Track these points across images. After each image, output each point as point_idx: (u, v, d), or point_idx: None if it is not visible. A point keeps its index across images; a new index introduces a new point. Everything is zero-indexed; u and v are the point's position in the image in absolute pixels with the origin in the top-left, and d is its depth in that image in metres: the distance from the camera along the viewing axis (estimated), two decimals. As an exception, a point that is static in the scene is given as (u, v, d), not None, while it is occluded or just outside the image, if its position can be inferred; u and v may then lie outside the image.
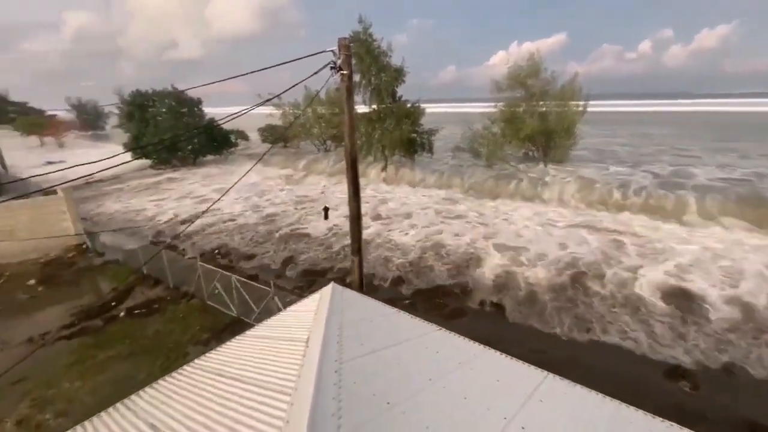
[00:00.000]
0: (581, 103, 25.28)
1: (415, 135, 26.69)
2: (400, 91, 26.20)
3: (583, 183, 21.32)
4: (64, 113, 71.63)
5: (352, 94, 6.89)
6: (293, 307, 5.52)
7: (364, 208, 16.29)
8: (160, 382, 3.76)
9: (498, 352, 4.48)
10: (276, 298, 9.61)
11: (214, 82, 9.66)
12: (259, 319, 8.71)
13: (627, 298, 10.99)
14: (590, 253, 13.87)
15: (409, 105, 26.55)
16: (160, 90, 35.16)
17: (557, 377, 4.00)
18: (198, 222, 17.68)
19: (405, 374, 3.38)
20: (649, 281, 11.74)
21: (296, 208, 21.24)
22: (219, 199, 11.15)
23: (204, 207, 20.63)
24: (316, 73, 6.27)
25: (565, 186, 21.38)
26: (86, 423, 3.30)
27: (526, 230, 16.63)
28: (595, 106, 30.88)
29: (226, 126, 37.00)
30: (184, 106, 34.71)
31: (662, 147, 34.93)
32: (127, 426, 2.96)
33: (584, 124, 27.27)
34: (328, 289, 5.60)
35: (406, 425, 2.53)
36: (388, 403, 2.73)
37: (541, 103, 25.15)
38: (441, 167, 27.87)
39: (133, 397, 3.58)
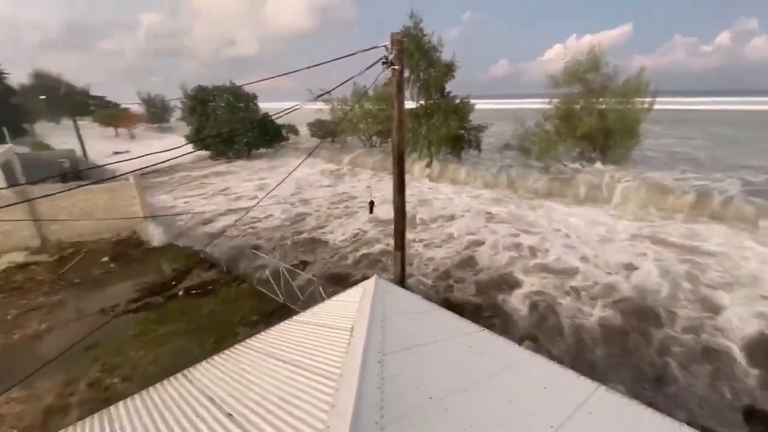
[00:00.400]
0: (647, 99, 23.40)
1: (462, 132, 26.20)
2: (449, 86, 25.77)
3: (652, 188, 19.24)
4: (135, 107, 78.07)
5: (402, 88, 6.89)
6: (337, 297, 5.66)
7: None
8: (215, 357, 4.02)
9: (545, 359, 4.30)
10: (320, 288, 9.92)
11: (268, 78, 10.11)
12: (304, 305, 9.04)
13: (706, 350, 8.56)
14: (660, 277, 11.70)
15: (457, 101, 26.06)
16: (219, 85, 37.29)
17: (609, 390, 3.77)
18: (221, 222, 18.30)
19: (447, 371, 3.35)
20: (737, 325, 9.26)
21: (328, 208, 20.51)
22: (260, 200, 11.63)
23: (237, 205, 21.40)
24: (368, 68, 6.34)
25: (628, 190, 19.49)
26: (151, 389, 3.62)
27: (578, 241, 14.72)
28: (664, 104, 28.41)
29: (278, 120, 38.48)
30: (240, 101, 36.55)
31: (746, 150, 31.06)
32: (186, 395, 3.19)
33: (652, 123, 25.25)
34: (372, 282, 5.68)
35: (449, 422, 2.51)
36: (431, 398, 2.72)
37: (601, 99, 23.59)
38: (489, 165, 27.09)
39: (191, 369, 3.87)
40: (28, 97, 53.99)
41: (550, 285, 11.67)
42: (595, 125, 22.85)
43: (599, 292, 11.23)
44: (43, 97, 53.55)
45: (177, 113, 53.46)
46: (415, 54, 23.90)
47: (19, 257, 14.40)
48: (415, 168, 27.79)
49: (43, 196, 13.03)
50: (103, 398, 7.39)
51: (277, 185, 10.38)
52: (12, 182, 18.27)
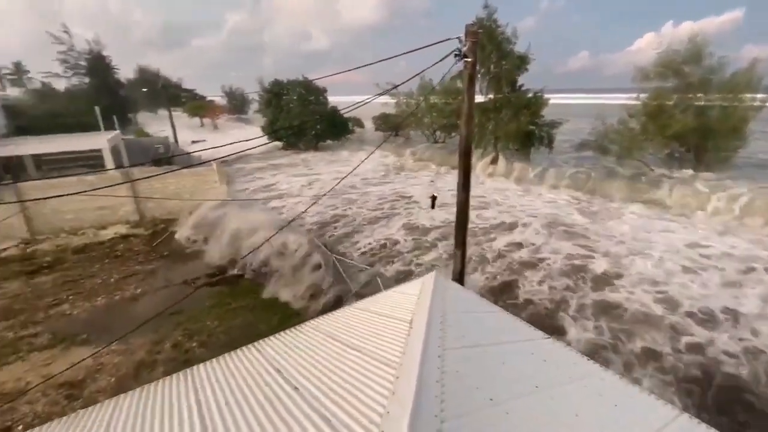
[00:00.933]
0: (759, 96, 20.17)
1: (533, 127, 24.80)
2: (522, 79, 24.53)
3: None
4: (218, 99, 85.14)
5: (474, 81, 6.70)
6: (395, 289, 5.72)
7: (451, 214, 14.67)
8: (282, 334, 4.30)
9: (618, 376, 3.97)
10: (378, 279, 10.13)
11: (338, 73, 10.40)
12: (359, 294, 9.32)
13: None
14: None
15: (530, 95, 24.73)
16: (293, 79, 39.30)
17: (693, 419, 3.37)
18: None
19: (509, 375, 3.23)
20: None
21: (371, 209, 18.72)
22: (319, 198, 12.07)
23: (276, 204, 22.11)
24: (441, 60, 6.25)
25: (733, 201, 16.14)
26: (226, 356, 3.97)
27: (670, 263, 11.71)
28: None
29: (345, 114, 39.62)
30: (311, 94, 38.19)
31: None
32: (256, 365, 3.46)
33: (763, 123, 21.78)
34: (431, 277, 5.65)
35: (511, 426, 2.43)
36: (491, 400, 2.65)
37: (700, 95, 20.80)
38: (560, 165, 25.33)
39: (260, 342, 4.18)
40: (133, 89, 61.41)
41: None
42: (691, 124, 20.23)
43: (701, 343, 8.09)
44: (145, 90, 60.63)
45: (254, 106, 57.37)
46: (487, 46, 23.09)
47: (122, 229, 16.61)
48: (478, 165, 26.96)
49: (144, 178, 14.86)
50: (183, 359, 8.28)
51: (339, 181, 10.71)
52: (118, 164, 21.04)
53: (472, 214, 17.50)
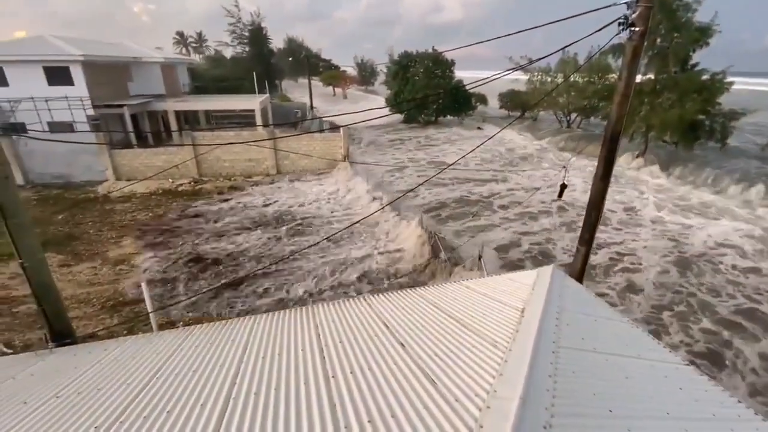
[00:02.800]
0: None
1: (704, 116, 20.23)
2: (698, 56, 20.01)
3: None
4: (350, 70, 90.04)
5: (639, 55, 5.70)
6: (507, 275, 5.48)
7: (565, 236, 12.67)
8: (389, 293, 4.54)
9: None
10: (482, 260, 9.85)
11: (470, 45, 9.91)
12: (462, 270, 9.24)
13: None
14: None
15: (705, 76, 20.09)
16: (422, 52, 39.09)
17: None
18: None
19: (633, 392, 2.86)
20: None
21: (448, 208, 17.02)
22: (414, 188, 11.91)
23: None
24: (601, 29, 5.45)
25: None
26: (340, 301, 4.39)
27: None
28: None
29: (470, 89, 38.07)
30: (438, 67, 37.56)
31: None
32: (366, 316, 3.75)
33: None
34: (548, 270, 5.24)
35: (632, 445, 2.17)
36: (611, 411, 2.40)
37: None
38: (736, 167, 20.32)
39: (368, 296, 4.49)
40: (280, 58, 68.92)
41: None
42: None
43: None
44: (290, 59, 67.51)
45: (381, 77, 59.17)
46: (656, 13, 19.27)
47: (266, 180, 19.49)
48: (619, 158, 23.35)
49: (283, 137, 16.95)
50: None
51: (448, 166, 10.45)
52: (266, 123, 24.25)
53: (610, 230, 14.51)
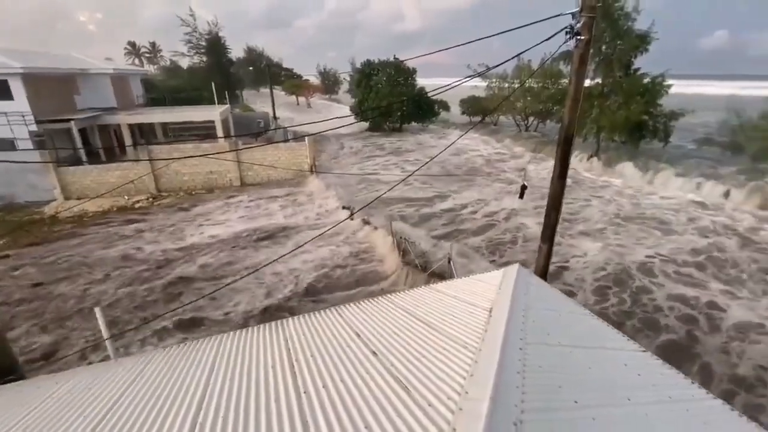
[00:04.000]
0: None
1: (646, 117, 21.78)
2: (639, 62, 21.58)
3: None
4: (313, 79, 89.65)
5: (585, 62, 6.07)
6: (475, 277, 5.59)
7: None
8: (360, 302, 4.52)
9: (730, 407, 3.45)
10: (452, 263, 10.02)
11: (430, 53, 10.17)
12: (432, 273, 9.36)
13: None
14: None
15: (646, 80, 21.68)
16: (384, 60, 39.64)
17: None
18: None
19: (597, 382, 3.00)
20: None
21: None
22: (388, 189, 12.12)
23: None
24: (549, 38, 5.75)
25: None
26: (310, 314, 4.31)
27: None
28: None
29: (433, 96, 38.96)
30: (401, 75, 38.20)
31: None
32: (338, 326, 3.71)
33: None
34: (513, 269, 5.40)
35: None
36: (576, 402, 2.49)
37: None
38: (678, 163, 22.05)
39: (340, 306, 4.45)
40: (240, 68, 67.55)
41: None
42: None
43: None
44: (250, 68, 66.35)
45: (345, 86, 59.35)
46: (600, 22, 20.64)
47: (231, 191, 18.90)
48: (572, 159, 24.63)
49: (247, 148, 16.55)
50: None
51: (404, 178, 10.65)
52: (227, 135, 23.60)
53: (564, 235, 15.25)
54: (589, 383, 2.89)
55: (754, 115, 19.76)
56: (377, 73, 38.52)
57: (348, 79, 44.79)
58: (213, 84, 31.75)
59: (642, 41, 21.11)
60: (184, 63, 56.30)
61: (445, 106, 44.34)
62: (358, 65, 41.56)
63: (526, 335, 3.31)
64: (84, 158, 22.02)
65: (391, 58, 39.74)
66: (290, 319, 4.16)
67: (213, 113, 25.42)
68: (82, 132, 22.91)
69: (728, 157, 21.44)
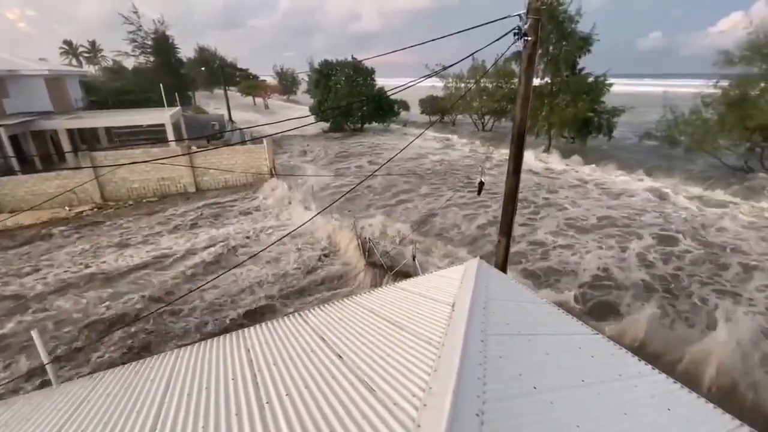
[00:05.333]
0: None
1: (592, 114, 23.22)
2: (583, 62, 22.94)
3: None
4: (270, 79, 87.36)
5: (533, 62, 6.35)
6: (438, 273, 5.70)
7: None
8: (325, 306, 4.46)
9: (672, 380, 3.74)
10: (416, 260, 10.14)
11: (388, 53, 10.23)
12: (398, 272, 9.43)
13: None
14: None
15: (590, 79, 23.09)
16: (342, 60, 39.40)
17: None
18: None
19: (554, 366, 3.14)
20: None
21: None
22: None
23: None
24: (499, 39, 5.96)
25: None
26: (273, 321, 4.19)
27: None
28: None
29: (392, 96, 39.24)
30: (359, 75, 38.13)
31: None
32: (302, 332, 3.63)
33: None
34: (474, 263, 5.56)
35: (555, 416, 2.38)
36: (535, 388, 2.60)
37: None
38: (620, 156, 23.65)
39: (305, 311, 4.36)
40: (192, 68, 64.51)
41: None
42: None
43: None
44: (203, 69, 63.55)
45: (304, 86, 58.34)
46: (547, 25, 21.70)
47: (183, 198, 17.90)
48: (528, 154, 25.75)
49: (201, 151, 15.74)
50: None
51: (359, 182, 10.70)
52: (179, 138, 22.45)
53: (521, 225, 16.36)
54: (546, 369, 3.03)
55: (686, 111, 21.66)
56: (336, 73, 38.22)
57: (306, 79, 44.04)
58: (162, 85, 30.06)
59: (585, 42, 22.52)
60: (129, 63, 52.96)
61: (406, 106, 44.82)
62: (316, 65, 41.01)
63: (487, 327, 3.41)
64: (17, 167, 20.12)
65: (350, 58, 39.63)
66: (252, 327, 4.03)
67: (163, 116, 24.07)
68: (14, 139, 20.91)
69: (666, 149, 23.34)
